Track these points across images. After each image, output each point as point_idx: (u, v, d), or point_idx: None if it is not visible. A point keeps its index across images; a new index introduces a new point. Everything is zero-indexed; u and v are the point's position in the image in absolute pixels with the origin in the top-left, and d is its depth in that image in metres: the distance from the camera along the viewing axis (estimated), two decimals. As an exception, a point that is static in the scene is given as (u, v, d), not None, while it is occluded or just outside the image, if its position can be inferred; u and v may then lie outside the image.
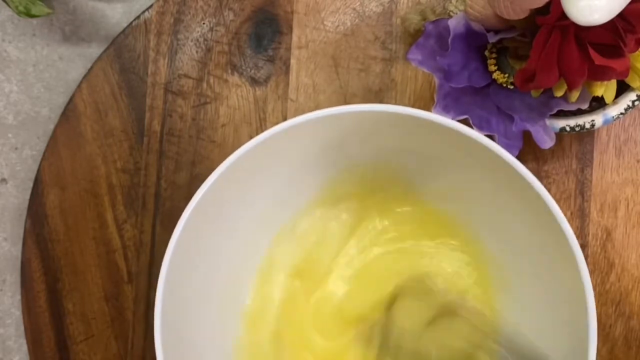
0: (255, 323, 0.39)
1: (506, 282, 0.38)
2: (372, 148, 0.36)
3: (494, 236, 0.38)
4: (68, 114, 0.42)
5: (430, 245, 0.40)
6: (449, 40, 0.35)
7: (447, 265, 0.39)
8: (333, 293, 0.40)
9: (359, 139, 0.35)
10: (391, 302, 0.38)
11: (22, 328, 0.43)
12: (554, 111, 0.35)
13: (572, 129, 0.36)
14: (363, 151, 0.36)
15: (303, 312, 0.40)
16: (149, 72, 0.42)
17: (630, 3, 0.30)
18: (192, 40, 0.42)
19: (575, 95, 0.34)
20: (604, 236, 0.40)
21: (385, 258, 0.40)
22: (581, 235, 0.40)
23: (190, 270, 0.34)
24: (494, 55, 0.37)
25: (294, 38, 0.42)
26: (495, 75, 0.36)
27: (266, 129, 0.35)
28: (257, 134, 0.37)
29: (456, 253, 0.39)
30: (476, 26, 0.35)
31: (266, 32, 0.42)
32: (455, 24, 0.35)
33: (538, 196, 0.31)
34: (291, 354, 0.39)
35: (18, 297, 0.44)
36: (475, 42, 0.36)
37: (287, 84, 0.42)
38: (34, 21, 0.44)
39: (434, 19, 0.38)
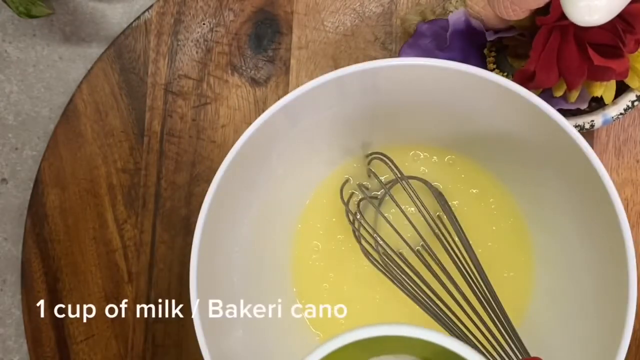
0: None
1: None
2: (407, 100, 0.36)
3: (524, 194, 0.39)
4: (68, 114, 0.42)
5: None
6: (448, 34, 0.35)
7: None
8: None
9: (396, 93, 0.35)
10: None
11: (22, 328, 0.43)
12: (554, 111, 0.35)
13: (572, 129, 0.36)
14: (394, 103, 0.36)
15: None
16: (149, 72, 0.42)
17: (629, 3, 0.30)
18: (192, 41, 0.42)
19: (574, 95, 0.34)
20: (604, 236, 0.40)
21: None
22: (581, 235, 0.40)
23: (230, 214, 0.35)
24: (493, 54, 0.37)
25: (294, 38, 0.42)
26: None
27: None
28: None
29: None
30: (475, 23, 0.35)
31: (266, 32, 0.42)
32: (455, 19, 0.35)
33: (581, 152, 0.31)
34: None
35: (18, 297, 0.44)
36: (475, 40, 0.36)
37: (287, 84, 0.42)
38: (34, 22, 0.44)
39: (434, 19, 0.39)
